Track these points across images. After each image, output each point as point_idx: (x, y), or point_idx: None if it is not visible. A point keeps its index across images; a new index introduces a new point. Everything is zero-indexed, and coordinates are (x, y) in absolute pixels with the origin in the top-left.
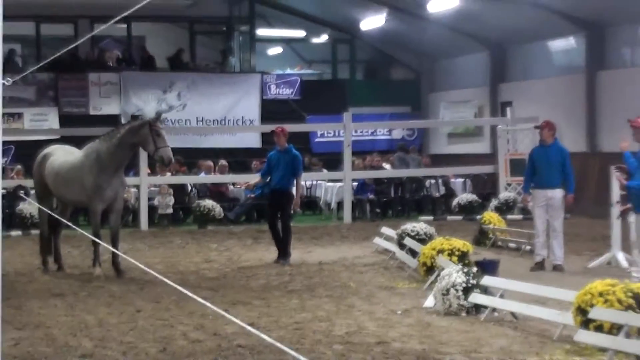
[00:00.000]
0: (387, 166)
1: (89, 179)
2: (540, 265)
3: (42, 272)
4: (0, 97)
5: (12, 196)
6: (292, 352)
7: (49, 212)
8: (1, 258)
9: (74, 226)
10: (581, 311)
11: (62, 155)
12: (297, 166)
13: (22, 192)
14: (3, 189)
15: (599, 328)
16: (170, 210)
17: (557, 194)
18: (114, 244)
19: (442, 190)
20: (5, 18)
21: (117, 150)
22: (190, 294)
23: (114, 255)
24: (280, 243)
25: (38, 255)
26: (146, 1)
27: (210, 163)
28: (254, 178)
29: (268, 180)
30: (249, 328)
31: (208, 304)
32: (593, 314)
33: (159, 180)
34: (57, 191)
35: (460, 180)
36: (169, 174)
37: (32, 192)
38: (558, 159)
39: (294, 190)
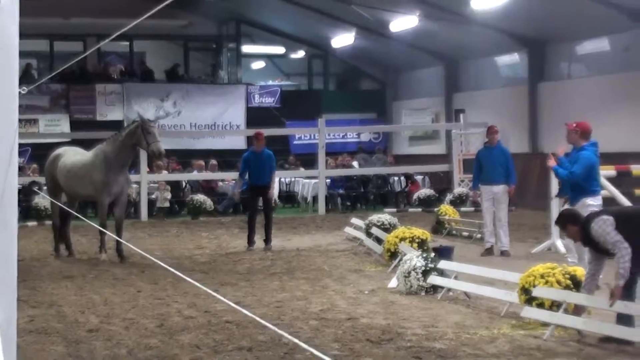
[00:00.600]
0: (356, 165)
1: (98, 176)
2: (489, 251)
3: (55, 257)
4: (16, 104)
5: (27, 191)
6: (272, 327)
7: (61, 205)
8: (18, 245)
9: (82, 217)
10: (525, 291)
11: (72, 155)
12: (273, 164)
13: (35, 187)
14: (19, 184)
15: (541, 305)
16: (167, 204)
17: (501, 189)
18: (118, 233)
19: (404, 184)
20: (22, 36)
21: (121, 150)
22: (184, 276)
23: (118, 243)
24: (253, 232)
25: (51, 242)
26: (142, 18)
27: (201, 162)
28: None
29: (246, 177)
30: (235, 306)
31: (200, 285)
32: (536, 292)
33: (157, 177)
34: (68, 186)
35: (420, 177)
36: (165, 172)
37: (45, 187)
38: (501, 159)
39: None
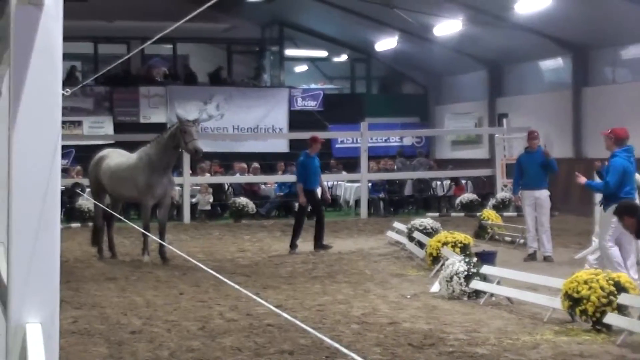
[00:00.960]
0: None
1: (142, 178)
2: (532, 257)
3: (98, 259)
4: (60, 106)
5: (70, 192)
6: (312, 331)
7: (104, 207)
8: (62, 247)
9: (125, 220)
10: (568, 297)
11: (116, 157)
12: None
13: (78, 189)
14: (62, 186)
15: (584, 312)
16: (208, 207)
17: (543, 193)
18: (161, 235)
19: (448, 187)
20: (67, 39)
21: (163, 153)
22: (225, 279)
23: (161, 245)
24: (297, 237)
25: (90, 244)
26: (184, 20)
27: (243, 165)
28: (281, 178)
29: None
30: (276, 309)
31: (240, 288)
32: (621, 299)
33: (200, 180)
34: (113, 188)
35: (463, 181)
36: (208, 174)
37: (88, 189)
38: (542, 163)
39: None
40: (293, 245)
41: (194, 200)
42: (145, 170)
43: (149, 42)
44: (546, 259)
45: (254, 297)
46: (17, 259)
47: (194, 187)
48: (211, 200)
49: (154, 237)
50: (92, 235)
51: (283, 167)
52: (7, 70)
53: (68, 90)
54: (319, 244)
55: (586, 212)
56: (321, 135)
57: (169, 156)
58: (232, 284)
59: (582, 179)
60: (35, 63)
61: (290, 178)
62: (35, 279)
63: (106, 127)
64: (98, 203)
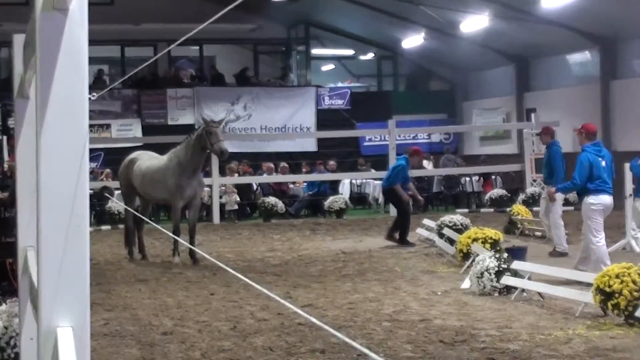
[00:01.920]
0: (428, 165)
1: (172, 180)
2: (558, 253)
3: (129, 261)
4: (87, 110)
5: (99, 196)
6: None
7: (133, 211)
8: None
9: (153, 223)
10: (600, 291)
11: (147, 160)
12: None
13: (107, 192)
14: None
15: (616, 306)
16: (235, 207)
17: (549, 189)
18: (191, 236)
19: (479, 183)
20: (94, 42)
21: (192, 154)
22: (252, 283)
23: (191, 245)
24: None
25: (124, 246)
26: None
27: (271, 165)
28: (308, 177)
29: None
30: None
31: (267, 292)
32: None
33: (229, 180)
34: (144, 190)
35: (492, 177)
36: (236, 174)
37: (116, 192)
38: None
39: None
40: (407, 242)
41: (221, 200)
42: (175, 172)
43: (175, 44)
44: (551, 253)
45: (281, 300)
46: (47, 263)
47: (221, 188)
48: (237, 199)
49: (182, 241)
50: (125, 237)
51: (308, 167)
52: (34, 75)
53: (95, 94)
54: (403, 239)
55: (617, 205)
56: (349, 133)
57: (197, 157)
58: (257, 286)
59: (552, 190)
60: (61, 68)
61: (319, 177)
62: (65, 283)
63: (134, 129)
64: (127, 206)
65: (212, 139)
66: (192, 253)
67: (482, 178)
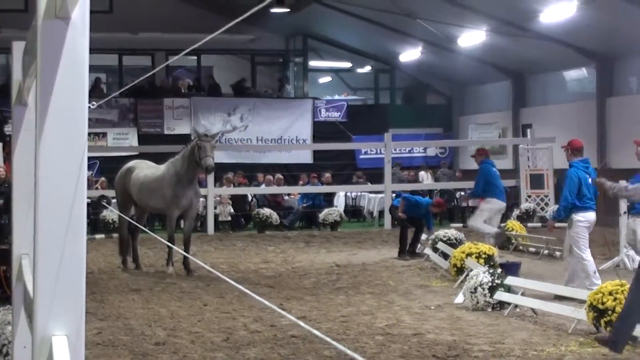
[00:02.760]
0: (425, 179)
1: (168, 190)
2: None
3: (122, 270)
4: (86, 119)
5: (96, 204)
6: (335, 344)
7: (129, 219)
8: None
9: (149, 231)
10: (593, 308)
11: (144, 169)
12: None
13: (104, 200)
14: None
15: (610, 323)
16: (228, 218)
17: (477, 202)
18: (187, 246)
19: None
20: (92, 50)
21: (188, 166)
22: (247, 291)
23: (185, 257)
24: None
25: (118, 255)
26: (212, 35)
27: (269, 176)
28: (303, 189)
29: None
30: (298, 321)
31: (264, 300)
32: None
33: (224, 191)
34: (140, 199)
35: None
36: (232, 185)
37: (113, 201)
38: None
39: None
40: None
41: (215, 211)
42: (172, 182)
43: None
44: None
45: (276, 308)
46: (43, 271)
47: (216, 199)
48: (231, 211)
49: (177, 249)
50: (119, 246)
51: (306, 179)
52: (33, 81)
53: (94, 103)
54: (411, 249)
55: (611, 222)
56: (345, 146)
57: (191, 169)
58: (254, 295)
59: (552, 223)
60: (61, 76)
61: (313, 189)
62: (61, 291)
63: (131, 138)
64: (122, 215)
65: (200, 153)
66: (186, 263)
67: None
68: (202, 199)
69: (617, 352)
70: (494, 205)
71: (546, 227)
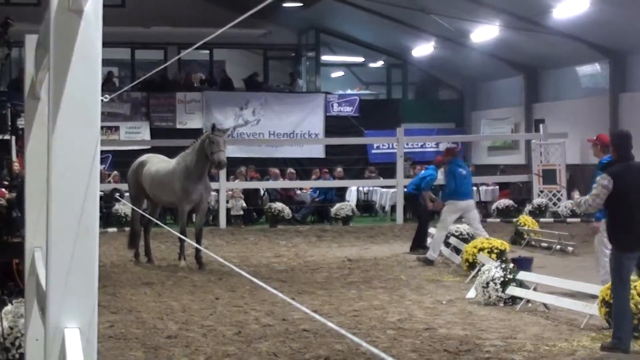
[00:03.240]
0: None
1: (178, 184)
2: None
3: (134, 263)
4: (99, 112)
5: (109, 198)
6: (350, 336)
7: (142, 212)
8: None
9: (163, 225)
10: (605, 303)
11: (156, 163)
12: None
13: (117, 194)
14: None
15: None
16: (241, 212)
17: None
18: (198, 240)
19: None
20: (105, 44)
21: (198, 160)
22: (261, 284)
23: (197, 250)
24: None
25: (127, 249)
26: (224, 28)
27: (276, 170)
28: (315, 184)
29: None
30: (313, 313)
31: (278, 293)
32: None
33: (236, 185)
34: (152, 193)
35: (497, 187)
36: (244, 179)
37: (127, 194)
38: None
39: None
40: (424, 246)
41: (228, 205)
42: (182, 176)
43: (189, 50)
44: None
45: (291, 301)
46: (56, 265)
47: (228, 193)
48: (244, 205)
49: (190, 242)
50: (129, 239)
51: (318, 173)
52: (46, 75)
53: (107, 96)
54: (423, 243)
55: None
56: (357, 140)
57: (202, 164)
58: (269, 288)
59: (597, 225)
60: (74, 69)
61: (326, 183)
62: (73, 285)
63: (143, 132)
64: (136, 208)
65: (212, 148)
66: (198, 257)
67: (498, 187)
68: (214, 193)
69: (626, 348)
70: (452, 207)
71: (589, 226)
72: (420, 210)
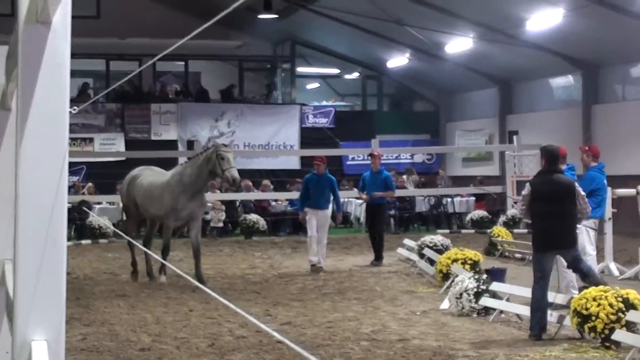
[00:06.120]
0: (409, 185)
1: (168, 199)
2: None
3: (133, 281)
4: (67, 123)
5: (77, 210)
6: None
7: (122, 233)
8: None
9: (129, 239)
10: (577, 313)
11: (150, 175)
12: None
13: (85, 206)
14: (69, 203)
15: (593, 329)
16: (221, 224)
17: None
18: (197, 258)
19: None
20: (79, 55)
21: (198, 175)
22: (224, 300)
23: (197, 268)
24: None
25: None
26: (191, 35)
27: (249, 182)
28: (292, 195)
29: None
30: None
31: (241, 311)
32: (630, 316)
33: (211, 196)
34: (143, 207)
35: (473, 198)
36: (218, 191)
37: (97, 207)
38: (328, 185)
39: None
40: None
41: (207, 217)
42: (174, 191)
43: (159, 56)
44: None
45: (254, 320)
46: (24, 276)
47: (209, 204)
48: (224, 217)
49: (156, 257)
50: (132, 255)
51: (293, 186)
52: (16, 87)
53: (76, 107)
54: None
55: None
56: (332, 152)
57: (203, 179)
58: (231, 305)
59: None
60: (42, 80)
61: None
62: (41, 296)
63: (117, 143)
64: (129, 223)
65: (223, 165)
66: (198, 275)
67: (474, 198)
68: None
69: (536, 337)
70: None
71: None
72: (382, 220)
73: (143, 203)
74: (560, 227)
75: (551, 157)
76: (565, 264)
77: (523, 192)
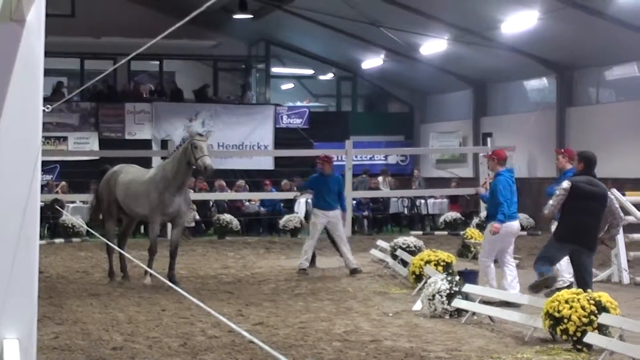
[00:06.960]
0: (384, 187)
1: (154, 195)
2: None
3: (109, 282)
4: (40, 122)
5: (49, 208)
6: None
7: (99, 235)
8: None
9: (108, 242)
10: (549, 316)
11: (131, 172)
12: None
13: (57, 204)
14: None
15: (565, 331)
16: (193, 224)
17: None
18: (172, 257)
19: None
20: (54, 54)
21: (178, 170)
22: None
23: (170, 268)
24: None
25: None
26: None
27: (222, 182)
28: (265, 195)
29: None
30: (226, 321)
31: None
32: (602, 319)
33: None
34: (126, 204)
35: (446, 200)
36: (192, 191)
37: (72, 205)
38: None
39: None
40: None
41: (196, 215)
42: (159, 187)
43: (133, 54)
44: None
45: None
46: None
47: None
48: (196, 217)
49: (130, 257)
50: (109, 257)
51: (269, 185)
52: None
53: (49, 106)
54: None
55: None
56: (307, 152)
57: (183, 172)
58: (197, 300)
59: (499, 226)
60: (16, 78)
61: (275, 195)
62: (13, 295)
63: (91, 142)
64: (108, 222)
65: (196, 153)
66: (171, 275)
67: (448, 200)
68: None
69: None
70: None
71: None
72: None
73: (126, 201)
74: (591, 225)
75: (589, 161)
76: (564, 267)
77: (562, 186)
